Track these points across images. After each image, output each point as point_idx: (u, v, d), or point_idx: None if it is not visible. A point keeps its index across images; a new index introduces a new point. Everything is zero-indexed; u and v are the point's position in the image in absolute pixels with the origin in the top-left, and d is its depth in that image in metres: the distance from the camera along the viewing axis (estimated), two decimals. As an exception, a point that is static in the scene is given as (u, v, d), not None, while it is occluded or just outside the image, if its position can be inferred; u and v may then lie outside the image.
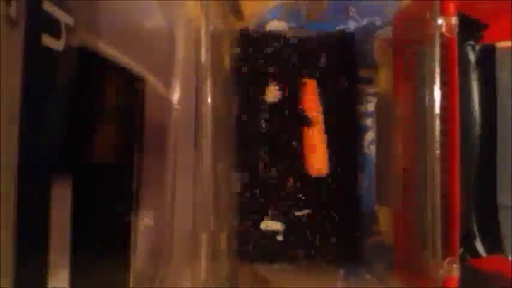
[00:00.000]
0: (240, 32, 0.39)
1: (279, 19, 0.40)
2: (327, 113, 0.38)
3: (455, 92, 0.28)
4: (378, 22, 0.39)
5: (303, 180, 0.38)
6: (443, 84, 0.28)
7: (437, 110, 0.28)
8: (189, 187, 0.31)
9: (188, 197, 0.31)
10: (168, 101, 0.35)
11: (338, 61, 0.39)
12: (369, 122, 0.39)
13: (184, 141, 0.34)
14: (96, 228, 0.25)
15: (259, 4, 0.40)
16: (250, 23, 0.40)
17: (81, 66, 0.22)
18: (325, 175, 0.38)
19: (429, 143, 0.28)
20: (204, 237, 0.29)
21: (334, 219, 0.38)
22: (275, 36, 0.39)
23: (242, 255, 0.38)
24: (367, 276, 0.38)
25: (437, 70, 0.28)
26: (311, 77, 0.38)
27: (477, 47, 0.31)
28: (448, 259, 0.27)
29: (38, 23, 0.18)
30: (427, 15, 0.29)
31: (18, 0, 0.17)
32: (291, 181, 0.38)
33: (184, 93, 0.35)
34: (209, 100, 0.30)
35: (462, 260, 0.29)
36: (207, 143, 0.30)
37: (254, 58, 0.39)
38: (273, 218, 0.38)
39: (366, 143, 0.39)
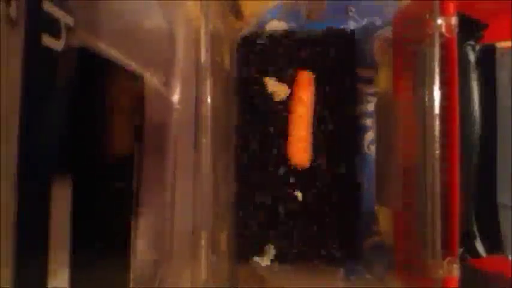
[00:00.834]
0: (240, 33, 0.39)
1: (279, 19, 0.40)
2: (327, 112, 0.38)
3: (455, 92, 0.28)
4: (378, 22, 0.39)
5: (303, 181, 0.38)
6: (443, 84, 0.28)
7: (437, 110, 0.28)
8: (189, 187, 0.31)
9: (188, 197, 0.31)
10: (168, 101, 0.35)
11: (338, 61, 0.39)
12: (369, 122, 0.39)
13: (184, 141, 0.34)
14: (96, 228, 0.25)
15: (259, 4, 0.40)
16: (250, 23, 0.40)
17: (81, 66, 0.22)
18: (307, 166, 0.38)
19: (429, 143, 0.28)
20: (204, 237, 0.29)
21: (334, 219, 0.38)
22: (275, 36, 0.39)
23: (242, 255, 0.38)
24: (367, 276, 0.38)
25: (437, 70, 0.28)
26: (306, 68, 0.38)
27: (477, 47, 0.31)
28: (448, 259, 0.27)
29: (38, 23, 0.18)
30: (427, 15, 0.29)
31: (18, 0, 0.17)
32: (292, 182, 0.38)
33: (184, 93, 0.35)
34: (209, 100, 0.30)
35: (462, 260, 0.29)
36: (207, 143, 0.30)
37: (254, 58, 0.39)
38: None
39: (366, 143, 0.39)
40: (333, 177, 0.38)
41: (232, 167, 0.38)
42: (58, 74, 0.20)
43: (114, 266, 0.27)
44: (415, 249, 0.31)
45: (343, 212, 0.38)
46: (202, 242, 0.29)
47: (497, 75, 0.31)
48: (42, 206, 0.19)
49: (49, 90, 0.20)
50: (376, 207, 0.39)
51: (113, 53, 0.26)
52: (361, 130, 0.39)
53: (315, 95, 0.38)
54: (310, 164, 0.38)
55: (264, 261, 0.38)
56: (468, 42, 0.31)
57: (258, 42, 0.39)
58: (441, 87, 0.28)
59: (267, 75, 0.39)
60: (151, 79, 0.32)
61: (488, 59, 0.31)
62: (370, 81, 0.39)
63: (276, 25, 0.40)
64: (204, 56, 0.30)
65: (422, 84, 0.29)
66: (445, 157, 0.28)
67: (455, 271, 0.27)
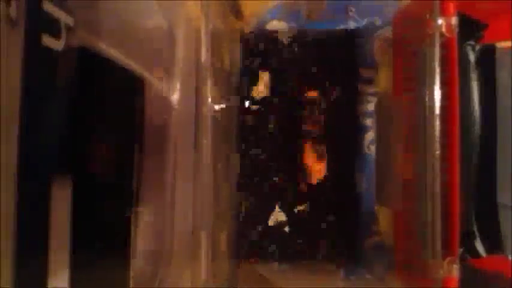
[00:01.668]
0: (240, 32, 0.39)
1: (279, 19, 0.40)
2: (326, 112, 0.38)
3: (455, 92, 0.28)
4: (378, 22, 0.39)
5: (302, 181, 0.38)
6: (443, 84, 0.28)
7: (437, 110, 0.28)
8: (189, 187, 0.31)
9: (188, 197, 0.31)
10: (168, 101, 0.35)
11: (338, 61, 0.39)
12: (369, 122, 0.39)
13: (184, 141, 0.33)
14: (96, 228, 0.25)
15: (259, 4, 0.40)
16: (250, 23, 0.40)
17: (81, 66, 0.22)
18: (322, 177, 0.38)
19: (429, 143, 0.28)
20: (204, 237, 0.29)
21: (334, 219, 0.38)
22: (275, 36, 0.39)
23: (242, 255, 0.38)
24: (367, 276, 0.38)
25: (437, 70, 0.28)
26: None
27: (477, 47, 0.31)
28: (448, 259, 0.27)
29: (38, 23, 0.18)
30: (427, 15, 0.29)
31: (18, 0, 0.17)
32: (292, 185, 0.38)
33: (184, 93, 0.35)
34: (209, 100, 0.30)
35: (462, 260, 0.29)
36: (207, 143, 0.30)
37: (253, 58, 0.39)
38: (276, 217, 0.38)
39: (366, 143, 0.39)
40: (333, 177, 0.38)
41: (232, 167, 0.38)
42: (58, 74, 0.20)
43: (114, 266, 0.27)
44: (415, 249, 0.31)
45: (343, 212, 0.38)
46: (202, 242, 0.29)
47: (497, 75, 0.31)
48: (42, 206, 0.19)
49: (49, 90, 0.20)
50: (376, 207, 0.39)
51: (113, 53, 0.26)
52: (361, 130, 0.39)
53: (315, 95, 0.38)
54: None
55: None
56: (468, 42, 0.31)
57: (258, 42, 0.39)
58: (441, 87, 0.28)
59: (266, 75, 0.39)
60: (151, 79, 0.32)
61: (488, 59, 0.31)
62: (370, 81, 0.39)
63: (276, 25, 0.40)
64: (204, 56, 0.30)
65: (423, 84, 0.29)
66: (445, 157, 0.28)
67: (455, 271, 0.27)
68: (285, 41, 0.39)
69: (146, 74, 0.31)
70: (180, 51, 0.35)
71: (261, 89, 0.39)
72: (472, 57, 0.31)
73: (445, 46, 0.28)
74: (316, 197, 0.38)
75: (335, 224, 0.38)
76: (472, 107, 0.31)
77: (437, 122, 0.28)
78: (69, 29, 0.21)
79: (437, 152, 0.28)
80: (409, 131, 0.33)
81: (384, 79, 0.39)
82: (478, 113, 0.31)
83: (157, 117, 0.33)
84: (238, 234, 0.38)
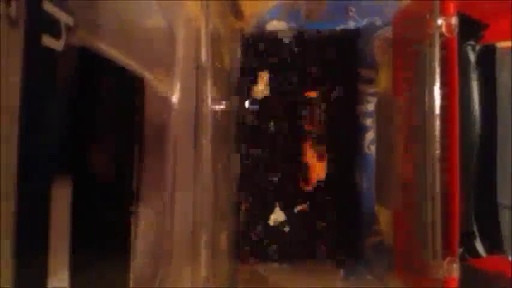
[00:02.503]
0: (240, 32, 0.39)
1: (279, 19, 0.40)
2: (326, 112, 0.38)
3: (455, 92, 0.28)
4: (378, 22, 0.39)
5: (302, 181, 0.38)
6: (443, 84, 0.28)
7: (437, 110, 0.28)
8: (189, 187, 0.31)
9: (188, 197, 0.31)
10: (168, 101, 0.35)
11: (338, 61, 0.39)
12: (369, 122, 0.39)
13: (184, 141, 0.33)
14: (96, 228, 0.25)
15: (259, 4, 0.40)
16: (250, 23, 0.40)
17: (81, 66, 0.22)
18: (323, 179, 0.38)
19: (429, 143, 0.28)
20: (204, 237, 0.29)
21: (334, 219, 0.38)
22: (275, 36, 0.39)
23: (242, 256, 0.38)
24: (367, 276, 0.38)
25: (437, 70, 0.28)
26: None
27: (477, 47, 0.31)
28: (448, 259, 0.27)
29: (38, 23, 0.18)
30: (427, 15, 0.29)
31: (18, 0, 0.17)
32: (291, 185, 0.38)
33: (184, 93, 0.35)
34: (209, 100, 0.30)
35: (462, 260, 0.29)
36: (207, 143, 0.30)
37: (253, 58, 0.39)
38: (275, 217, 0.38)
39: (366, 143, 0.39)
40: (333, 177, 0.38)
41: (233, 167, 0.38)
42: (58, 74, 0.20)
43: (114, 266, 0.27)
44: (415, 249, 0.31)
45: (343, 212, 0.38)
46: (202, 242, 0.29)
47: (497, 75, 0.31)
48: (42, 206, 0.19)
49: (49, 90, 0.20)
50: (376, 207, 0.39)
51: (113, 53, 0.26)
52: (361, 130, 0.39)
53: (315, 95, 0.38)
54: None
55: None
56: (468, 42, 0.31)
57: (258, 42, 0.39)
58: (441, 87, 0.28)
59: (266, 74, 0.39)
60: (151, 79, 0.32)
61: (488, 59, 0.31)
62: (370, 81, 0.39)
63: (276, 25, 0.40)
64: (204, 56, 0.30)
65: (422, 84, 0.29)
66: (445, 157, 0.28)
67: (455, 271, 0.27)
68: (285, 41, 0.39)
69: (146, 74, 0.31)
70: (180, 51, 0.35)
71: (261, 89, 0.39)
72: (472, 57, 0.31)
73: (445, 46, 0.28)
74: (316, 197, 0.38)
75: (335, 224, 0.38)
76: (472, 107, 0.31)
77: (437, 122, 0.28)
78: (69, 29, 0.21)
79: (437, 152, 0.28)
80: (409, 131, 0.33)
81: (384, 79, 0.39)
82: (478, 113, 0.31)
83: (157, 117, 0.33)
84: (238, 234, 0.38)
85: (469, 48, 0.31)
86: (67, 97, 0.21)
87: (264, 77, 0.39)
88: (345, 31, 0.39)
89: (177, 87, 0.35)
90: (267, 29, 0.40)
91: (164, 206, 0.34)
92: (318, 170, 0.38)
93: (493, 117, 0.31)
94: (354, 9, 0.39)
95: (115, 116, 0.28)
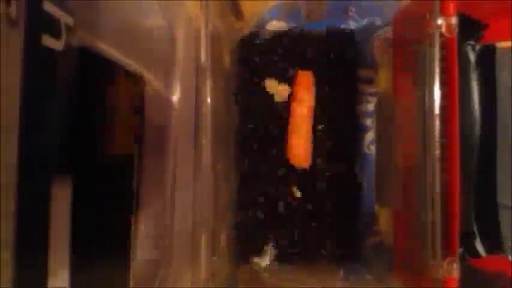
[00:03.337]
0: (240, 32, 0.39)
1: (279, 19, 0.40)
2: (326, 112, 0.38)
3: (455, 92, 0.28)
4: (378, 22, 0.39)
5: (303, 181, 0.38)
6: (443, 84, 0.28)
7: (437, 110, 0.28)
8: (189, 187, 0.31)
9: (188, 197, 0.31)
10: (168, 101, 0.35)
11: (338, 61, 0.39)
12: (369, 122, 0.39)
13: (184, 141, 0.34)
14: (96, 228, 0.25)
15: (259, 4, 0.40)
16: (250, 23, 0.40)
17: (81, 66, 0.22)
18: (307, 167, 0.38)
19: (429, 143, 0.28)
20: (204, 237, 0.29)
21: (334, 219, 0.38)
22: (275, 36, 0.39)
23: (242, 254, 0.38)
24: (367, 276, 0.38)
25: (437, 70, 0.28)
26: (307, 69, 0.38)
27: (477, 47, 0.31)
28: (448, 259, 0.27)
29: (38, 23, 0.18)
30: (427, 15, 0.29)
31: (18, 0, 0.17)
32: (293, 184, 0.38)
33: (184, 93, 0.35)
34: (209, 100, 0.30)
35: (462, 260, 0.29)
36: (207, 143, 0.30)
37: (253, 58, 0.39)
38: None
39: (366, 143, 0.39)
40: (333, 177, 0.38)
41: (233, 167, 0.38)
42: (58, 74, 0.20)
43: (114, 266, 0.27)
44: (415, 249, 0.31)
45: (343, 212, 0.38)
46: (202, 242, 0.29)
47: (497, 75, 0.31)
48: (42, 206, 0.19)
49: (49, 90, 0.20)
50: (376, 207, 0.39)
51: (113, 53, 0.26)
52: (361, 130, 0.39)
53: (315, 95, 0.38)
54: (311, 164, 0.38)
55: (264, 261, 0.38)
56: (468, 42, 0.31)
57: (258, 42, 0.39)
58: (441, 87, 0.28)
59: (267, 75, 0.39)
60: (151, 79, 0.32)
61: (488, 59, 0.31)
62: (370, 81, 0.39)
63: (276, 25, 0.40)
64: (204, 56, 0.30)
65: (422, 84, 0.29)
66: (445, 157, 0.28)
67: (455, 271, 0.27)
68: (285, 41, 0.39)
69: (146, 74, 0.31)
70: (180, 51, 0.35)
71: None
72: (472, 57, 0.31)
73: (445, 46, 0.28)
74: (317, 197, 0.38)
75: (335, 224, 0.38)
76: (472, 107, 0.31)
77: (437, 122, 0.28)
78: (69, 29, 0.21)
79: (437, 152, 0.28)
80: (409, 131, 0.33)
81: (384, 79, 0.39)
82: (478, 113, 0.31)
83: (157, 117, 0.33)
84: (238, 234, 0.38)
85: (469, 48, 0.31)
86: (67, 97, 0.21)
87: (263, 77, 0.39)
88: (345, 31, 0.39)
89: (177, 87, 0.35)
90: (267, 29, 0.40)
91: (164, 206, 0.34)
92: (299, 161, 0.38)
93: (493, 117, 0.31)
94: (353, 9, 0.39)
95: (115, 116, 0.28)
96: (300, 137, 0.37)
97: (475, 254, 0.31)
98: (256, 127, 0.39)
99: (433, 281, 0.28)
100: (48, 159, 0.20)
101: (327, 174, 0.38)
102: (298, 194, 0.38)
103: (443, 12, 0.28)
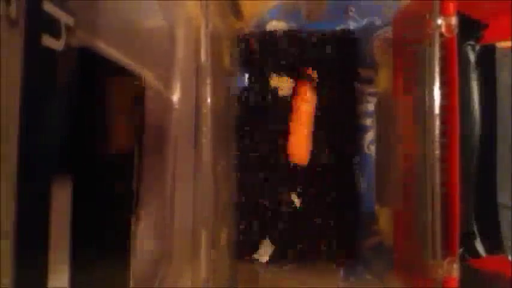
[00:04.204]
0: (240, 32, 0.39)
1: (279, 19, 0.40)
2: (326, 112, 0.38)
3: (455, 92, 0.28)
4: (378, 22, 0.39)
5: (303, 181, 0.38)
6: (443, 84, 0.28)
7: (437, 110, 0.28)
8: (189, 187, 0.31)
9: (188, 197, 0.31)
10: (168, 101, 0.35)
11: (338, 61, 0.39)
12: (369, 122, 0.39)
13: (184, 141, 0.34)
14: (96, 228, 0.25)
15: (259, 4, 0.40)
16: (250, 23, 0.40)
17: (81, 66, 0.22)
18: (305, 164, 0.38)
19: (429, 143, 0.28)
20: (204, 236, 0.29)
21: (334, 219, 0.38)
22: (274, 36, 0.39)
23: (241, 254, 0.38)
24: (367, 276, 0.38)
25: (437, 70, 0.28)
26: (310, 68, 0.38)
27: (477, 47, 0.31)
28: (448, 259, 0.27)
29: (38, 23, 0.18)
30: (427, 15, 0.29)
31: (18, 0, 0.17)
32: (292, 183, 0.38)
33: (184, 93, 0.35)
34: (209, 100, 0.30)
35: (462, 260, 0.29)
36: (207, 143, 0.30)
37: (253, 58, 0.39)
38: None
39: (366, 143, 0.39)
40: (333, 177, 0.38)
41: (232, 167, 0.38)
42: (58, 74, 0.20)
43: (114, 266, 0.27)
44: (415, 249, 0.31)
45: (342, 212, 0.38)
46: (202, 242, 0.29)
47: (497, 75, 0.31)
48: (42, 206, 0.19)
49: (49, 90, 0.20)
50: (376, 207, 0.39)
51: (113, 53, 0.26)
52: (361, 130, 0.39)
53: (316, 94, 0.38)
54: (311, 164, 0.38)
55: (263, 257, 0.38)
56: (468, 42, 0.31)
57: (258, 42, 0.39)
58: (441, 87, 0.28)
59: (266, 75, 0.39)
60: (151, 79, 0.32)
61: (488, 59, 0.31)
62: (370, 81, 0.39)
63: (276, 25, 0.40)
64: (204, 56, 0.30)
65: (422, 84, 0.29)
66: (445, 157, 0.28)
67: (455, 271, 0.27)
68: (285, 41, 0.39)
69: (146, 74, 0.31)
70: (180, 51, 0.35)
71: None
72: (472, 57, 0.31)
73: (445, 46, 0.28)
74: (316, 197, 0.38)
75: (335, 224, 0.38)
76: (472, 107, 0.31)
77: (437, 122, 0.28)
78: (69, 29, 0.21)
79: (437, 152, 0.28)
80: (409, 131, 0.33)
81: (384, 79, 0.39)
82: (478, 113, 0.31)
83: (157, 117, 0.33)
84: (238, 234, 0.38)
85: (469, 48, 0.31)
86: (67, 97, 0.21)
87: (263, 77, 0.39)
88: (345, 31, 0.39)
89: (177, 87, 0.35)
90: (267, 29, 0.40)
91: (164, 206, 0.34)
92: (299, 158, 0.38)
93: (493, 117, 0.31)
94: (353, 9, 0.39)
95: (115, 116, 0.28)
96: (301, 133, 0.38)
97: (475, 254, 0.31)
98: (255, 126, 0.39)
99: (433, 281, 0.28)
100: (48, 159, 0.20)
101: (327, 174, 0.38)
102: (299, 196, 0.38)
103: (443, 12, 0.28)
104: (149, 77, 0.31)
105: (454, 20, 0.28)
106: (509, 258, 0.30)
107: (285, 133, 0.38)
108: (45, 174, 0.19)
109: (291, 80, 0.38)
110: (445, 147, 0.28)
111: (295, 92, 0.38)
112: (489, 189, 0.31)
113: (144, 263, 0.30)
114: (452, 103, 0.28)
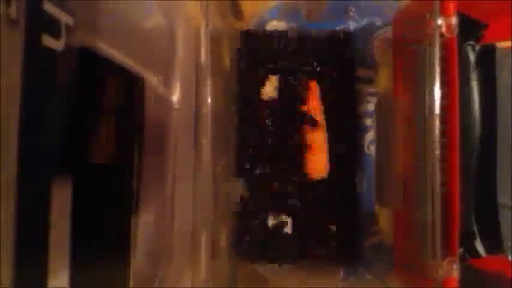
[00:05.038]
0: (240, 32, 0.39)
1: (279, 19, 0.40)
2: (327, 112, 0.38)
3: (455, 92, 0.28)
4: (378, 22, 0.39)
5: (303, 180, 0.38)
6: (443, 84, 0.28)
7: (437, 110, 0.28)
8: (189, 187, 0.31)
9: (188, 197, 0.31)
10: (168, 101, 0.35)
11: (338, 61, 0.39)
12: (369, 122, 0.39)
13: (184, 141, 0.34)
14: (96, 228, 0.25)
15: (259, 4, 0.40)
16: (250, 23, 0.40)
17: (81, 66, 0.22)
18: (325, 176, 0.38)
19: (429, 143, 0.28)
20: (204, 237, 0.29)
21: (334, 219, 0.38)
22: (274, 36, 0.39)
23: (242, 255, 0.38)
24: (367, 276, 0.38)
25: (437, 70, 0.28)
26: (313, 78, 0.38)
27: (477, 47, 0.31)
28: (448, 259, 0.27)
29: (38, 23, 0.18)
30: (427, 15, 0.29)
31: (18, 0, 0.17)
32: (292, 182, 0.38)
33: (184, 93, 0.35)
34: (209, 100, 0.30)
35: (462, 260, 0.29)
36: (207, 143, 0.30)
37: (253, 57, 0.39)
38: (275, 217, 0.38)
39: (366, 143, 0.39)
40: (333, 177, 0.38)
41: (232, 167, 0.38)
42: (58, 74, 0.20)
43: (114, 266, 0.27)
44: (415, 249, 0.31)
45: (343, 212, 0.38)
46: (202, 242, 0.29)
47: (497, 75, 0.31)
48: (42, 206, 0.19)
49: (49, 90, 0.20)
50: (376, 207, 0.39)
51: (113, 53, 0.26)
52: (361, 130, 0.39)
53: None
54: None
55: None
56: (468, 42, 0.31)
57: (257, 42, 0.39)
58: (441, 87, 0.28)
59: (266, 75, 0.39)
60: (151, 79, 0.32)
61: (488, 59, 0.31)
62: (370, 81, 0.39)
63: (276, 25, 0.40)
64: (204, 56, 0.30)
65: (422, 84, 0.29)
66: (445, 157, 0.28)
67: (455, 271, 0.27)
68: (285, 41, 0.39)
69: (146, 74, 0.31)
70: (180, 51, 0.35)
71: (260, 89, 0.39)
72: (472, 57, 0.31)
73: (445, 46, 0.28)
74: (317, 198, 0.38)
75: (335, 224, 0.38)
76: (472, 107, 0.31)
77: (437, 122, 0.28)
78: (69, 29, 0.21)
79: (437, 152, 0.28)
80: (409, 131, 0.33)
81: (383, 79, 0.39)
82: (478, 113, 0.31)
83: (157, 117, 0.34)
84: (238, 235, 0.38)
85: (469, 48, 0.31)
86: (67, 97, 0.21)
87: (263, 78, 0.39)
88: (345, 31, 0.39)
89: (177, 87, 0.35)
90: (267, 29, 0.40)
91: (164, 206, 0.34)
92: (318, 170, 0.38)
93: (493, 117, 0.31)
94: (353, 9, 0.39)
95: (115, 116, 0.28)
96: (321, 150, 0.38)
97: (475, 254, 0.31)
98: (255, 126, 0.39)
99: (433, 281, 0.28)
100: (48, 159, 0.20)
101: (327, 174, 0.38)
102: (298, 196, 0.38)
103: (443, 12, 0.28)
104: (149, 77, 0.32)
105: (454, 20, 0.28)
106: (509, 258, 0.30)
107: (284, 135, 0.38)
108: (45, 174, 0.19)
109: (275, 84, 0.38)
110: (445, 147, 0.28)
111: (306, 104, 0.38)
112: (489, 189, 0.31)
113: (144, 263, 0.30)
114: (452, 103, 0.28)
